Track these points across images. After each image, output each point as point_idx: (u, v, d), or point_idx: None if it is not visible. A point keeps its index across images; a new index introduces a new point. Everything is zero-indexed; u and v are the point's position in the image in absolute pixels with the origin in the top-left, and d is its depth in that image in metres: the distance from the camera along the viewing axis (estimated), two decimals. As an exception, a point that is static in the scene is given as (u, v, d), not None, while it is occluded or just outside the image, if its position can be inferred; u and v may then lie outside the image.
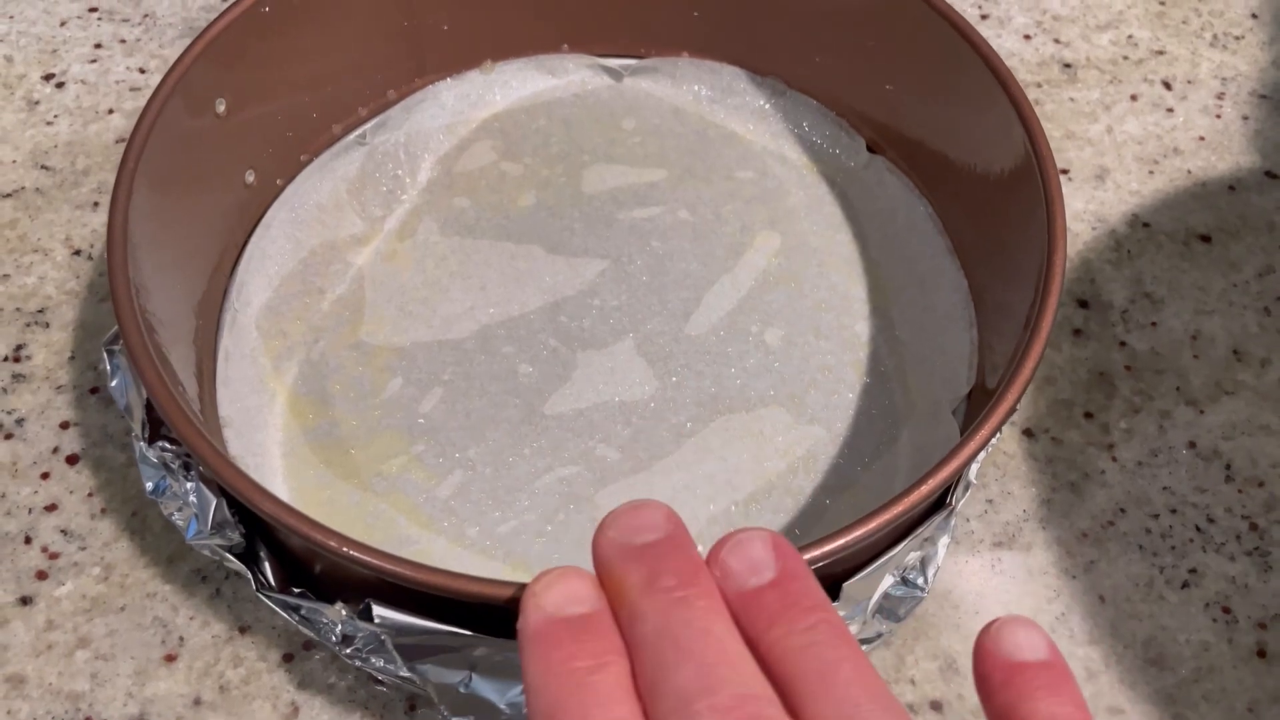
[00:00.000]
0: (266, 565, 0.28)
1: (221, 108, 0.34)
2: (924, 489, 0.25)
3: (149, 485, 0.30)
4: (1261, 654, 0.33)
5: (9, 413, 0.36)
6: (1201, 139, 0.44)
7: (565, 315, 0.37)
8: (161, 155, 0.31)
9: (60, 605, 0.32)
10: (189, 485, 0.28)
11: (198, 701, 0.31)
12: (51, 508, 0.34)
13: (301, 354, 0.36)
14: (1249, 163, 0.43)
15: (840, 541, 0.24)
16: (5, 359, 0.37)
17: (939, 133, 0.38)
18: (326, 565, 0.28)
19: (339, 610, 0.25)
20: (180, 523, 0.29)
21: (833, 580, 0.26)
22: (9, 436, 0.36)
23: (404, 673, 0.26)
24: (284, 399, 0.35)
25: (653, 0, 0.41)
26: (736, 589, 0.21)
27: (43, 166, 0.42)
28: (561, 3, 0.41)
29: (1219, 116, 0.45)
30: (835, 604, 0.26)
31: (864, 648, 0.30)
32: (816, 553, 0.24)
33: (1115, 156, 0.43)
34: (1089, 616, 0.33)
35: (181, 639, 0.32)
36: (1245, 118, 0.45)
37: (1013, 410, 0.27)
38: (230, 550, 0.28)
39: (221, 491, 0.27)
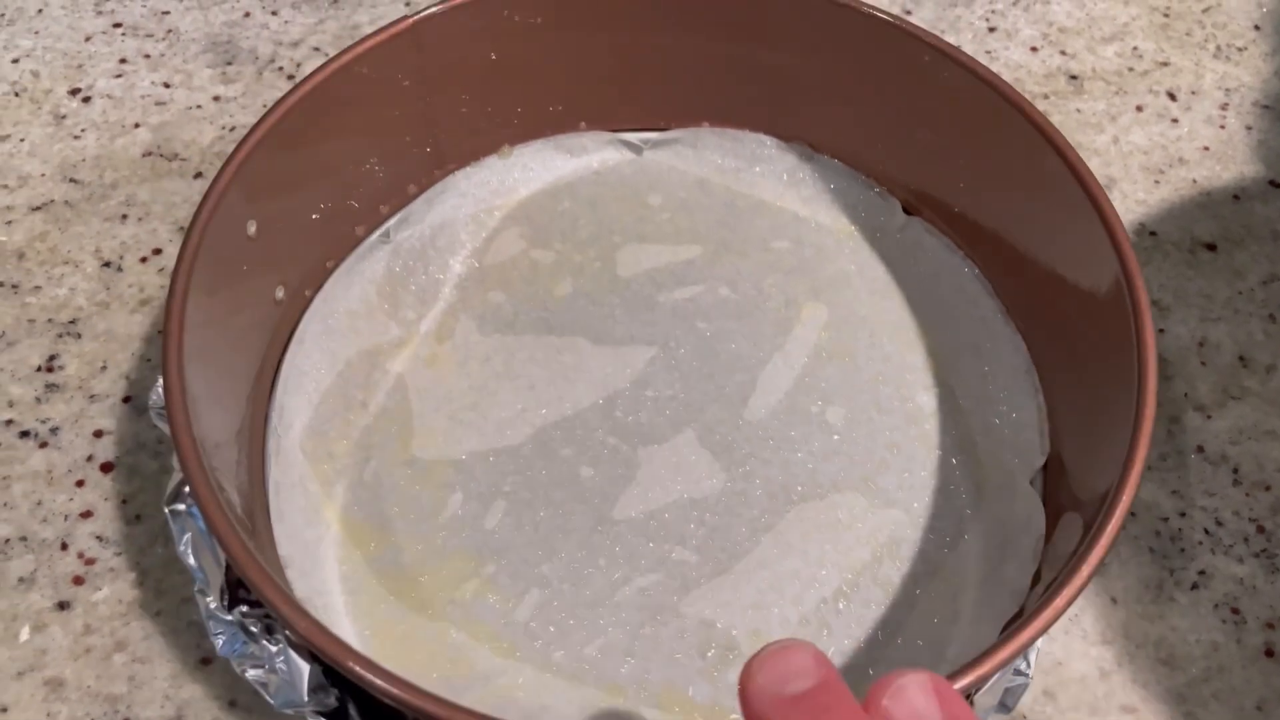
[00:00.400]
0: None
1: (252, 229, 0.33)
2: (1059, 603, 0.24)
3: (219, 643, 0.28)
4: (1270, 654, 0.33)
5: (43, 421, 0.37)
6: (1206, 149, 0.44)
7: (620, 410, 0.36)
8: (202, 290, 0.30)
9: (97, 610, 0.33)
10: (273, 649, 0.26)
11: (233, 704, 0.31)
12: (87, 514, 0.35)
13: (353, 475, 0.34)
14: (1253, 172, 0.44)
15: (981, 670, 0.23)
16: (38, 369, 0.38)
17: (982, 202, 0.37)
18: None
19: None
20: (260, 680, 0.27)
21: (964, 696, 0.26)
22: (44, 445, 0.36)
23: None
24: (340, 528, 0.33)
25: (669, 71, 0.40)
26: None
27: (71, 180, 0.43)
28: (577, 81, 0.40)
29: (1223, 127, 0.45)
30: None
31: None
32: (963, 682, 0.23)
33: (1122, 167, 0.44)
34: (1101, 618, 0.33)
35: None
36: (1249, 128, 0.45)
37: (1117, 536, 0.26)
38: (323, 713, 0.26)
39: (314, 658, 0.26)
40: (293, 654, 0.26)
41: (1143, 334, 0.28)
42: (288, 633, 0.26)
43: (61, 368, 0.38)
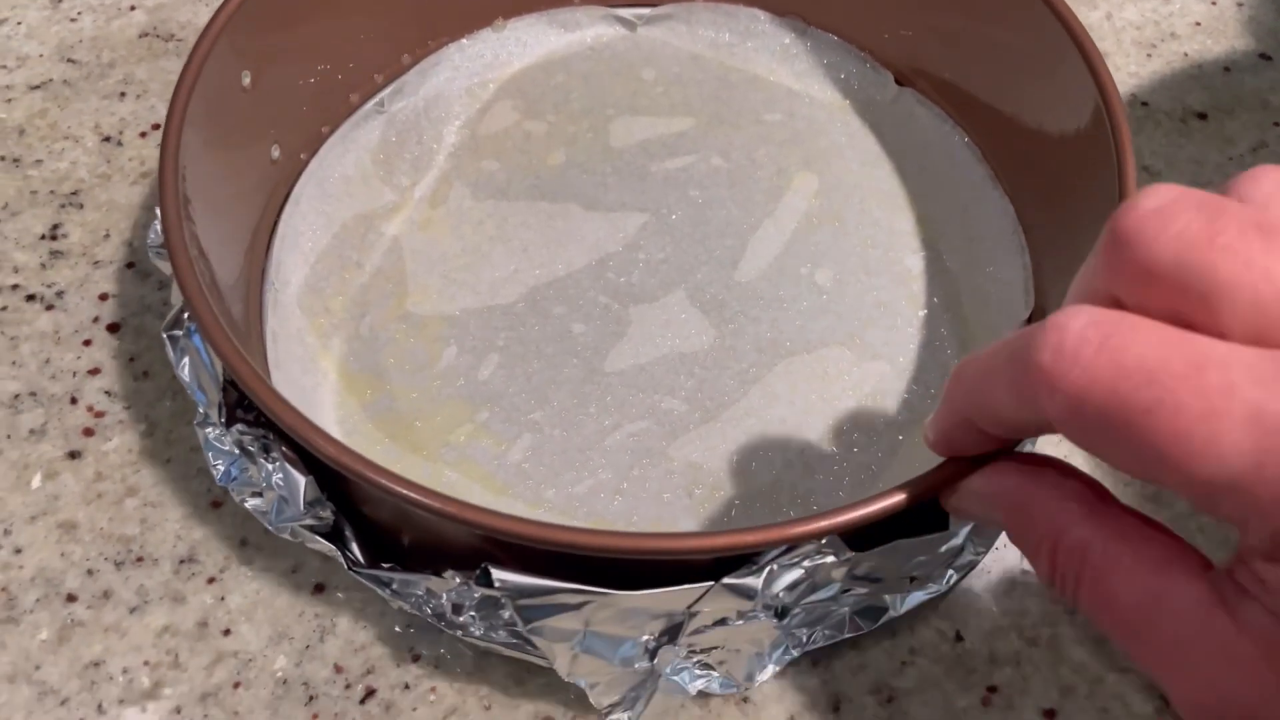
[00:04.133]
0: (354, 544, 0.28)
1: (247, 80, 0.33)
2: None
3: (218, 471, 0.29)
4: None
5: (49, 286, 0.38)
6: (1198, 24, 0.45)
7: (612, 271, 0.36)
8: (197, 135, 0.30)
9: (108, 458, 0.34)
10: (270, 467, 0.27)
11: (244, 543, 0.32)
12: (95, 371, 0.35)
13: (349, 330, 0.35)
14: (1243, 46, 0.44)
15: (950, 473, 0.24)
16: (42, 237, 0.39)
17: (972, 69, 0.38)
18: (417, 536, 0.27)
19: (451, 579, 0.24)
20: (260, 508, 0.28)
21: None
22: (50, 308, 0.37)
23: (513, 639, 0.26)
24: (337, 377, 0.34)
25: (665, -56, 0.40)
26: None
27: (69, 60, 0.43)
28: (571, -47, 0.40)
29: (1214, 3, 0.46)
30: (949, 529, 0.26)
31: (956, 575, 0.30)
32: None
33: (1114, 41, 0.44)
34: (1089, 459, 0.34)
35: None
36: (1240, 4, 0.46)
37: None
38: (318, 530, 0.27)
39: (310, 469, 0.27)
40: (289, 468, 0.27)
41: (1124, 173, 0.29)
42: (283, 448, 0.27)
43: (65, 235, 0.39)
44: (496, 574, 0.23)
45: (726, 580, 0.24)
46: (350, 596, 0.31)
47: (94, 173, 0.40)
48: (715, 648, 0.27)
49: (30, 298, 0.37)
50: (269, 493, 0.27)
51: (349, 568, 0.27)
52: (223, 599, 0.31)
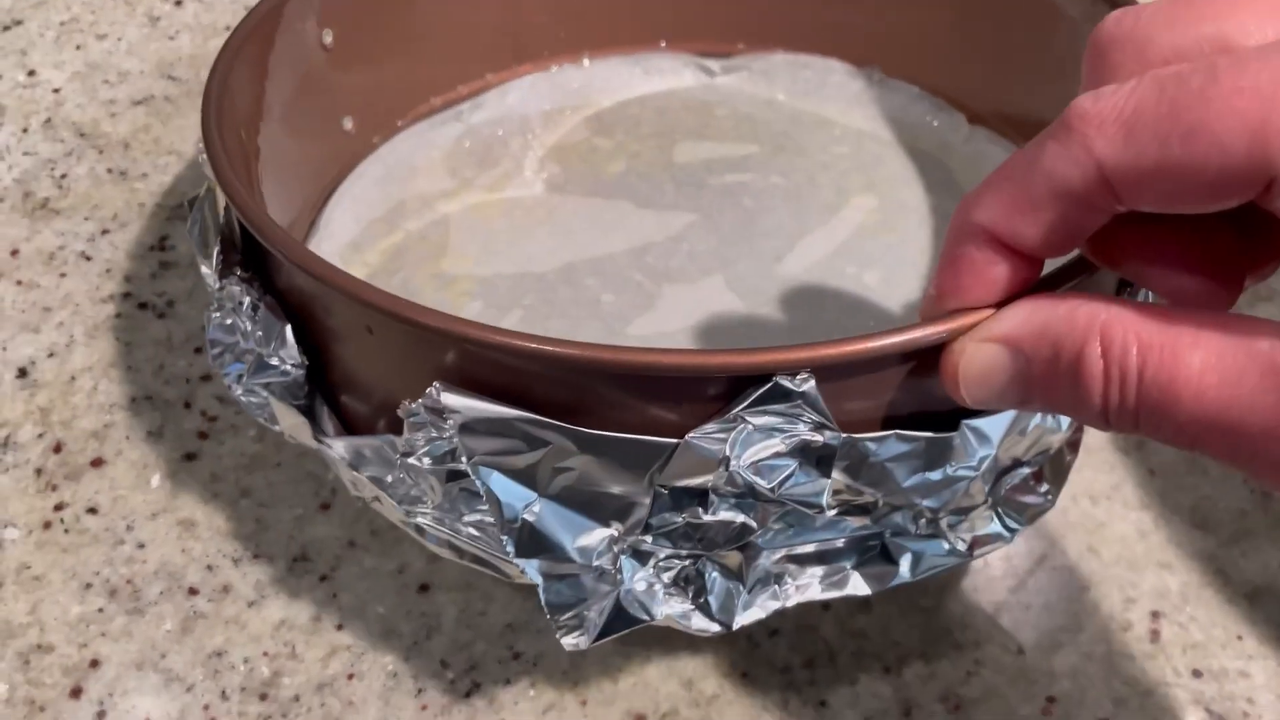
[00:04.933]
0: (325, 416, 0.26)
1: (329, 39, 0.35)
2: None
3: (213, 355, 0.28)
4: None
5: (160, 295, 0.39)
6: None
7: (652, 257, 0.36)
8: (272, 71, 0.32)
9: (222, 461, 0.34)
10: (251, 326, 0.26)
11: (352, 544, 0.33)
12: (206, 378, 0.36)
13: (382, 281, 0.35)
14: None
15: None
16: (152, 248, 0.40)
17: (1047, 101, 0.37)
18: (383, 398, 0.25)
19: (406, 406, 0.22)
20: (239, 392, 0.27)
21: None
22: (161, 316, 0.38)
23: (476, 531, 0.23)
24: (359, 317, 0.34)
25: (749, -4, 0.42)
26: None
27: (169, 77, 0.46)
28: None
29: None
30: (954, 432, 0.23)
31: (980, 550, 0.26)
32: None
33: None
34: (1140, 486, 0.34)
35: (334, 491, 0.34)
36: None
37: None
38: (287, 388, 0.26)
39: (289, 315, 0.26)
40: (270, 317, 0.26)
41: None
42: (267, 297, 0.26)
43: (173, 247, 0.41)
44: (447, 397, 0.22)
45: (692, 437, 0.21)
46: (453, 596, 0.31)
47: (197, 187, 0.42)
48: (686, 558, 0.23)
49: (142, 306, 0.39)
50: (247, 357, 0.27)
51: (314, 438, 0.26)
52: (334, 596, 0.31)
